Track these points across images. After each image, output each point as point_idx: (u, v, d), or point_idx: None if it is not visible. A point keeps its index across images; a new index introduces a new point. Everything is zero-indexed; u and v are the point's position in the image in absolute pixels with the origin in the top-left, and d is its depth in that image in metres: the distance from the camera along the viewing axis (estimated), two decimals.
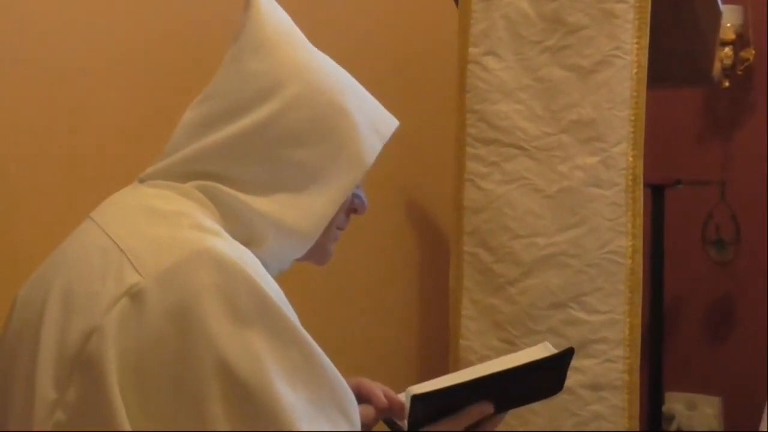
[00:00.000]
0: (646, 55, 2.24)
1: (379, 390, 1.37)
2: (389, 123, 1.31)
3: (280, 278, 1.20)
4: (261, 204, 1.21)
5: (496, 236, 2.34)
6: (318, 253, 1.30)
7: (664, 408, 2.93)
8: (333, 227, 1.29)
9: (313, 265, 1.34)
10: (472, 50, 2.37)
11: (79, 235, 1.24)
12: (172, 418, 1.07)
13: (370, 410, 1.35)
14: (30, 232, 1.70)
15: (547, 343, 1.39)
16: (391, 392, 1.38)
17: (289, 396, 1.08)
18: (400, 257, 2.62)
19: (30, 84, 1.71)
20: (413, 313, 2.66)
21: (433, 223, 2.71)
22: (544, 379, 1.38)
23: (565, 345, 1.39)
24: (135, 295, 1.10)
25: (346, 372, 1.19)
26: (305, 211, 1.22)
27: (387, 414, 1.37)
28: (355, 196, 1.31)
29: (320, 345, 1.15)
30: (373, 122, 1.28)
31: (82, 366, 1.10)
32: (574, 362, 2.16)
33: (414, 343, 2.65)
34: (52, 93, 1.75)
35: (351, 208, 1.32)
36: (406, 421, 1.31)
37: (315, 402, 1.11)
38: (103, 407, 1.07)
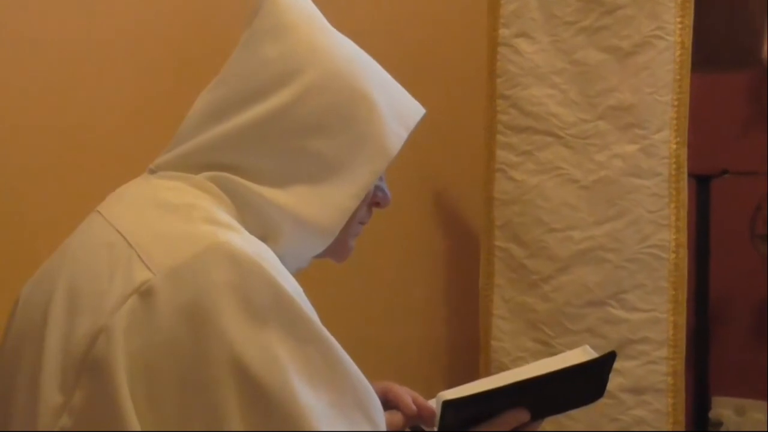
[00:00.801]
0: (690, 36, 2.24)
1: (407, 396, 1.36)
2: (415, 111, 1.31)
3: (297, 276, 1.19)
4: (278, 196, 1.20)
5: (529, 230, 2.34)
6: (338, 249, 1.29)
7: (711, 413, 2.91)
8: (354, 221, 1.28)
9: (332, 261, 1.33)
10: (502, 32, 2.37)
11: (85, 229, 1.24)
12: (184, 422, 1.07)
13: (398, 417, 1.34)
14: (33, 226, 1.70)
15: (587, 347, 1.39)
16: (421, 398, 1.37)
17: (309, 398, 1.08)
18: (427, 253, 2.62)
19: (31, 69, 1.72)
20: (441, 313, 2.66)
21: (462, 217, 2.70)
22: (583, 384, 1.37)
23: (603, 345, 1.39)
24: (145, 293, 1.09)
25: (369, 377, 1.18)
26: (325, 204, 1.21)
27: (416, 421, 1.36)
28: (377, 188, 1.31)
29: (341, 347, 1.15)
30: (397, 110, 1.27)
31: (89, 368, 1.10)
32: (615, 364, 2.16)
33: (441, 345, 2.65)
34: (55, 78, 1.75)
35: (373, 201, 1.32)
36: (435, 429, 1.30)
37: (336, 404, 1.11)
38: (112, 411, 1.07)
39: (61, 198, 1.74)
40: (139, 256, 1.12)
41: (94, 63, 1.81)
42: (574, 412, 2.15)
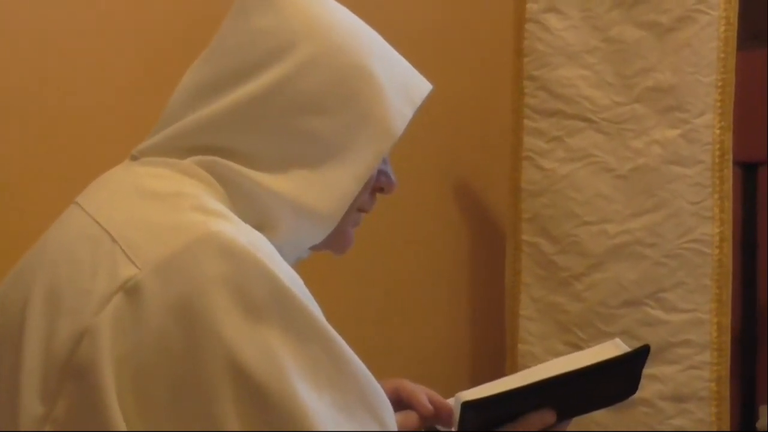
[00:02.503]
0: (736, 10, 2.24)
1: (422, 394, 1.36)
2: (422, 87, 1.30)
3: (302, 271, 1.19)
4: (273, 181, 1.20)
5: (560, 223, 2.34)
6: (337, 239, 1.29)
7: (758, 423, 2.89)
8: (354, 209, 1.28)
9: (331, 254, 1.33)
10: (530, 6, 2.38)
11: (63, 223, 1.24)
12: (177, 428, 1.07)
13: (412, 417, 1.35)
14: (21, 220, 1.71)
15: (617, 340, 1.38)
16: (438, 396, 1.37)
17: (312, 399, 1.08)
18: (448, 248, 2.62)
19: (26, 52, 1.72)
20: (463, 313, 2.66)
21: (486, 209, 2.70)
22: (614, 382, 1.36)
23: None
24: (131, 290, 1.09)
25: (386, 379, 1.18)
26: (324, 188, 1.21)
27: (433, 421, 1.36)
28: (381, 172, 1.30)
29: (354, 349, 1.15)
30: (402, 87, 1.27)
31: (72, 374, 1.09)
32: (653, 369, 2.16)
33: (464, 348, 2.66)
34: (43, 66, 1.76)
35: (377, 186, 1.31)
36: (453, 430, 1.30)
37: (341, 405, 1.11)
38: (98, 419, 1.07)
39: (48, 191, 1.74)
40: (123, 250, 1.12)
41: (85, 51, 1.82)
42: (607, 421, 2.16)
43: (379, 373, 1.17)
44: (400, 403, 1.34)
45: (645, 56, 2.28)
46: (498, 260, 2.46)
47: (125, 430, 1.06)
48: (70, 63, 1.80)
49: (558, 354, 2.31)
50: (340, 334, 1.14)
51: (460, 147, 2.60)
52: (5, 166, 1.72)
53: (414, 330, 2.51)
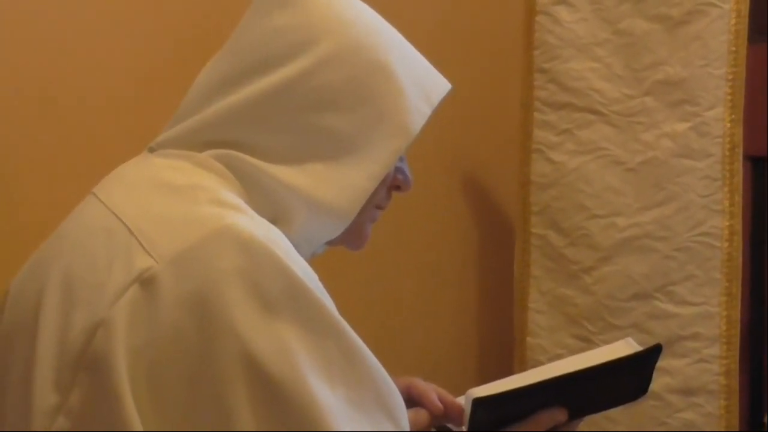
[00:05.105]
0: (747, 2, 2.24)
1: (433, 393, 1.37)
2: (440, 86, 1.31)
3: (314, 266, 1.19)
4: (290, 176, 1.20)
5: (569, 216, 2.34)
6: (353, 235, 1.29)
7: (767, 417, 2.89)
8: (371, 205, 1.28)
9: (347, 249, 1.33)
10: None
11: (79, 214, 1.24)
12: (191, 422, 1.07)
13: (423, 415, 1.35)
14: (30, 212, 1.71)
15: (630, 339, 1.38)
16: (448, 395, 1.37)
17: (326, 394, 1.08)
18: (457, 241, 2.62)
19: (28, 44, 1.72)
20: (472, 306, 2.66)
21: (496, 202, 2.70)
22: (626, 381, 1.36)
23: (650, 342, 1.38)
24: (146, 282, 1.09)
25: (393, 374, 1.18)
26: (341, 184, 1.21)
27: (443, 420, 1.36)
28: (397, 170, 1.31)
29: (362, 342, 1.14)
30: (421, 85, 1.27)
31: (87, 365, 1.10)
32: (662, 363, 2.15)
33: (473, 341, 2.66)
34: (53, 54, 1.76)
35: (393, 184, 1.32)
36: (464, 429, 1.30)
37: (355, 401, 1.11)
38: (112, 410, 1.07)
39: (60, 181, 1.75)
40: (139, 242, 1.12)
41: (94, 48, 1.82)
42: (616, 414, 2.16)
43: (387, 365, 1.16)
44: (410, 401, 1.34)
45: (655, 49, 2.28)
46: (507, 253, 2.46)
47: (139, 421, 1.07)
48: (77, 61, 1.79)
49: (567, 347, 2.32)
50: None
51: (469, 140, 2.60)
52: (13, 165, 1.72)
53: (422, 323, 2.50)
